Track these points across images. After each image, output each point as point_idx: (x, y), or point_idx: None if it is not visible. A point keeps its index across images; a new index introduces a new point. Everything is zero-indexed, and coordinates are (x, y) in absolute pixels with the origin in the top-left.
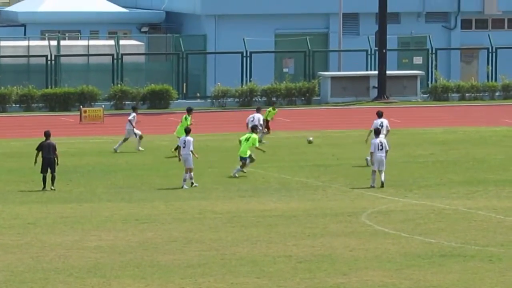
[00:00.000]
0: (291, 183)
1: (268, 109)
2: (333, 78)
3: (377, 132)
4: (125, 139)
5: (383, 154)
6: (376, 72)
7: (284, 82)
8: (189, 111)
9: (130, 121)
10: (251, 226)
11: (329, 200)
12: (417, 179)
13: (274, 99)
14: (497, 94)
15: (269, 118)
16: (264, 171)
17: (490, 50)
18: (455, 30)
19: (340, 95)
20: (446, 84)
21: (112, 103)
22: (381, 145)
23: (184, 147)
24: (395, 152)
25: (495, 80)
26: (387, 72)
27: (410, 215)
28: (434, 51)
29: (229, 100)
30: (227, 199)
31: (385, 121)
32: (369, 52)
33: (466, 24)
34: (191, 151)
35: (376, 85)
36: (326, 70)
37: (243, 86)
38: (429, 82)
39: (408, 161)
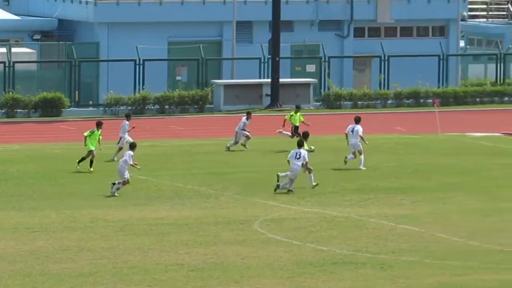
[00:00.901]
0: (184, 191)
1: (290, 113)
2: (226, 86)
3: (299, 144)
4: (120, 148)
5: (299, 164)
6: (269, 80)
7: (177, 90)
8: (99, 125)
9: (122, 128)
10: (143, 235)
11: (222, 208)
12: (310, 187)
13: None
14: (389, 102)
15: (297, 124)
16: (156, 179)
17: (382, 58)
18: (348, 38)
19: (233, 103)
20: (339, 92)
21: (3, 111)
22: (298, 155)
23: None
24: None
25: (388, 88)
26: (280, 80)
27: (302, 223)
28: (327, 59)
29: (122, 108)
30: (120, 208)
31: (358, 128)
32: (262, 60)
33: (359, 33)
34: (127, 162)
35: (269, 93)
36: (219, 78)
37: (136, 94)
38: (322, 90)
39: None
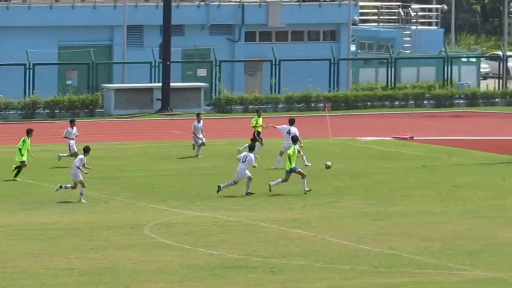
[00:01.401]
0: (75, 196)
1: (255, 118)
2: (117, 90)
3: (251, 147)
4: (73, 154)
5: (243, 167)
6: (160, 84)
7: (67, 94)
8: (29, 132)
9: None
10: (33, 239)
11: (112, 213)
12: (201, 192)
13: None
14: (280, 106)
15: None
16: (48, 184)
17: (273, 63)
18: (239, 43)
19: (124, 107)
20: (230, 96)
21: None
22: (245, 159)
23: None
24: (179, 164)
25: (279, 92)
26: (171, 84)
27: (192, 227)
28: (218, 63)
29: (12, 112)
30: (9, 212)
31: (294, 129)
32: (153, 64)
33: (250, 37)
34: (77, 166)
35: (160, 97)
36: (110, 82)
37: (26, 98)
38: (213, 94)
39: (192, 174)
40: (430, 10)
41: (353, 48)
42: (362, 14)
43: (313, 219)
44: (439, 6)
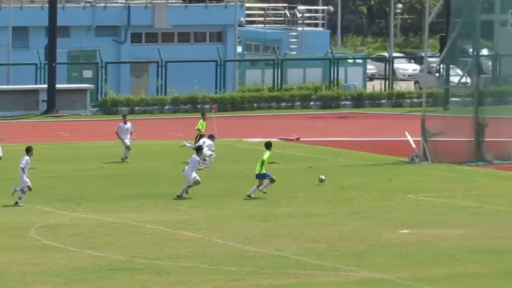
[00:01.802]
0: None
1: (200, 122)
2: (2, 91)
3: (197, 149)
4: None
5: (187, 168)
6: (46, 85)
7: None
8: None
9: None
10: None
11: None
12: (86, 193)
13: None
14: (166, 107)
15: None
16: None
17: (159, 64)
18: (125, 44)
19: (9, 108)
20: (116, 98)
21: None
22: (189, 161)
23: None
24: (64, 165)
25: (165, 93)
26: (57, 85)
27: (78, 229)
28: (104, 65)
29: None
30: None
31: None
32: (38, 66)
33: (136, 38)
34: (22, 168)
35: (46, 99)
36: None
37: None
38: (99, 96)
39: (78, 175)
40: (316, 11)
41: (239, 49)
42: (248, 15)
43: (200, 221)
44: (325, 7)
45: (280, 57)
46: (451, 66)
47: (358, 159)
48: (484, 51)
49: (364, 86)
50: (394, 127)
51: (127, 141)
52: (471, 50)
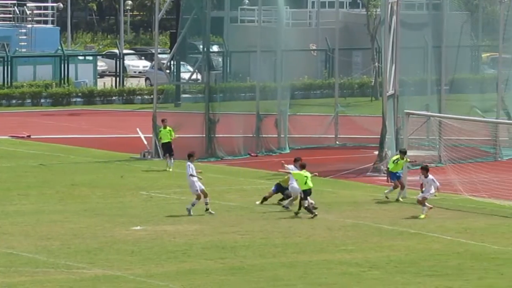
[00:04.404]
0: None
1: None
2: None
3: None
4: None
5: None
6: None
7: None
8: None
9: None
10: None
11: None
12: None
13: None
14: None
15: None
16: None
17: None
18: None
19: None
20: None
21: None
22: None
23: None
24: None
25: None
26: None
27: None
28: None
29: None
30: None
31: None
32: None
33: None
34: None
35: None
36: None
37: None
38: None
39: None
40: (46, 8)
41: None
42: None
43: None
44: (54, 4)
45: (10, 54)
46: (181, 62)
47: (90, 156)
48: (215, 48)
49: (95, 83)
50: (126, 123)
51: None
52: (201, 46)
